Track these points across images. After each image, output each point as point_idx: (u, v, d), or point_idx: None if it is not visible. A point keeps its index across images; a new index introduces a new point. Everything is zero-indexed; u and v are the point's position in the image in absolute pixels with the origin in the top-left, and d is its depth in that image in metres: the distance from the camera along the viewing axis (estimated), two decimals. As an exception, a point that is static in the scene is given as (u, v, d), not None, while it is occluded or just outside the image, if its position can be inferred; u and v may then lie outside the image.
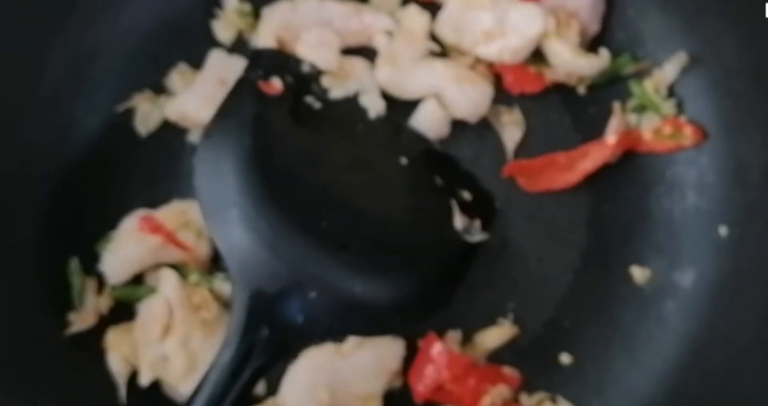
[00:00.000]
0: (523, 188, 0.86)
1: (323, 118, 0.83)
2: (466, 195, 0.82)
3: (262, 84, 0.82)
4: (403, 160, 0.82)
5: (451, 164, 0.85)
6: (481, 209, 0.82)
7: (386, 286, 0.76)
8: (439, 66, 0.86)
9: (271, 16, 0.88)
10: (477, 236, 0.80)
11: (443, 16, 0.87)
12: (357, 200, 0.79)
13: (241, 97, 0.81)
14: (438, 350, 0.81)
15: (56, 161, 0.85)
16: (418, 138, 0.85)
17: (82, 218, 0.85)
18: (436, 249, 0.80)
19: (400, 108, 0.86)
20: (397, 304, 0.77)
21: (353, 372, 0.80)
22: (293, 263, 0.74)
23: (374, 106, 0.85)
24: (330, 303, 0.74)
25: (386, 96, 0.86)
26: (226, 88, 0.82)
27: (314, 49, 0.85)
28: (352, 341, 0.81)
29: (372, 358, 0.81)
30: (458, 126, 0.86)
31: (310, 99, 0.83)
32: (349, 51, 0.87)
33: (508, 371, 0.83)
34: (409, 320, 0.79)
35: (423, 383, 0.80)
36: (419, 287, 0.77)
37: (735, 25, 0.81)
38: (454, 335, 0.83)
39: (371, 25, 0.87)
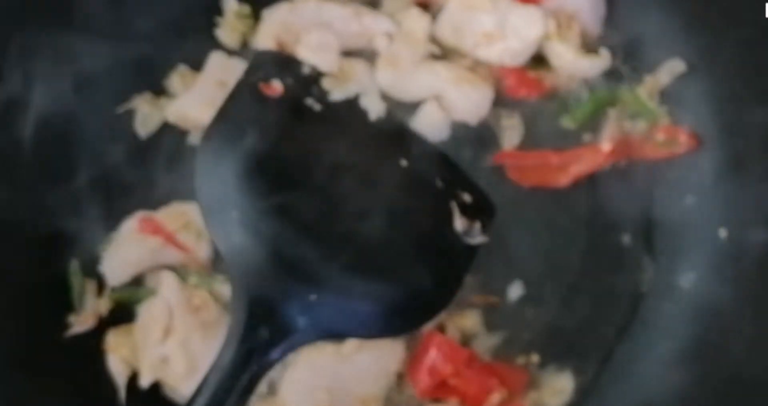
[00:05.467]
0: (513, 181, 0.86)
1: (324, 120, 0.83)
2: (467, 197, 0.82)
3: (262, 86, 0.82)
4: (404, 163, 0.82)
5: (451, 166, 0.85)
6: (481, 211, 0.82)
7: (386, 288, 0.76)
8: (440, 68, 0.86)
9: (271, 18, 0.88)
10: (477, 238, 0.80)
11: (443, 18, 0.87)
12: (357, 202, 0.79)
13: (242, 100, 0.81)
14: (438, 342, 0.81)
15: (56, 162, 0.85)
16: (419, 140, 0.85)
17: (82, 219, 0.85)
18: (436, 251, 0.80)
19: (400, 110, 0.86)
20: (398, 306, 0.77)
21: (353, 374, 0.80)
22: (293, 265, 0.74)
23: (375, 108, 0.85)
24: (330, 305, 0.74)
25: (387, 98, 0.86)
26: (226, 90, 0.82)
27: (314, 52, 0.85)
28: (352, 342, 0.81)
29: (372, 360, 0.81)
30: (458, 128, 0.86)
31: (310, 101, 0.83)
32: (349, 53, 0.87)
33: (511, 368, 0.83)
34: (410, 322, 0.79)
35: (424, 378, 0.81)
36: (419, 289, 0.78)
37: (735, 27, 0.81)
38: (453, 336, 0.83)
39: (371, 28, 0.87)
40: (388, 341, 0.81)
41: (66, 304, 0.83)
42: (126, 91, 0.88)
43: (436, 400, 0.82)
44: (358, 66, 0.87)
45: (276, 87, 0.82)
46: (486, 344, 0.83)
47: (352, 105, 0.85)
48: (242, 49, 0.89)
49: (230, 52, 0.89)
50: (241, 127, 0.79)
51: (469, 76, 0.86)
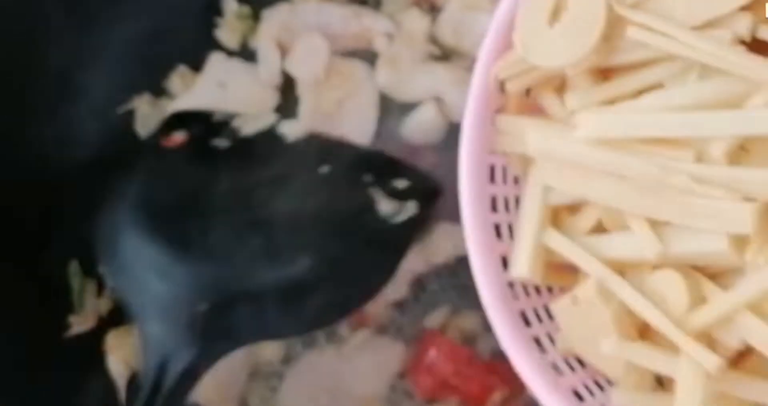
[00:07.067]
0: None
1: (233, 154, 0.83)
2: (400, 183, 0.81)
3: (162, 140, 0.82)
4: (324, 169, 0.81)
5: (387, 161, 0.84)
6: (417, 192, 0.81)
7: (325, 288, 0.74)
8: (440, 69, 0.86)
9: (271, 19, 0.88)
10: (404, 214, 0.79)
11: (443, 18, 0.87)
12: (279, 216, 0.77)
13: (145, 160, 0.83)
14: (438, 342, 0.81)
15: (56, 163, 0.85)
16: (345, 146, 0.84)
17: (82, 220, 0.85)
18: (363, 239, 0.78)
19: (399, 110, 0.86)
20: (337, 301, 0.76)
21: (353, 374, 0.80)
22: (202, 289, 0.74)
23: (293, 132, 0.84)
24: (270, 313, 0.73)
25: (386, 98, 0.86)
26: (227, 90, 0.83)
27: (302, 61, 0.85)
28: (352, 343, 0.81)
29: (372, 360, 0.81)
30: (457, 129, 0.86)
31: (217, 141, 0.83)
32: (349, 53, 0.88)
33: (512, 366, 0.83)
34: (350, 305, 0.78)
35: (424, 378, 0.81)
36: (354, 281, 0.76)
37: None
38: (453, 336, 0.82)
39: (371, 28, 0.88)
40: (388, 341, 0.81)
41: (66, 304, 0.83)
42: (126, 91, 0.88)
43: (437, 400, 0.82)
44: (358, 66, 0.87)
45: (176, 138, 0.82)
46: (488, 344, 0.83)
47: (267, 134, 0.84)
48: (242, 50, 0.89)
49: (230, 53, 0.89)
50: (147, 187, 0.80)
51: (469, 77, 0.86)
